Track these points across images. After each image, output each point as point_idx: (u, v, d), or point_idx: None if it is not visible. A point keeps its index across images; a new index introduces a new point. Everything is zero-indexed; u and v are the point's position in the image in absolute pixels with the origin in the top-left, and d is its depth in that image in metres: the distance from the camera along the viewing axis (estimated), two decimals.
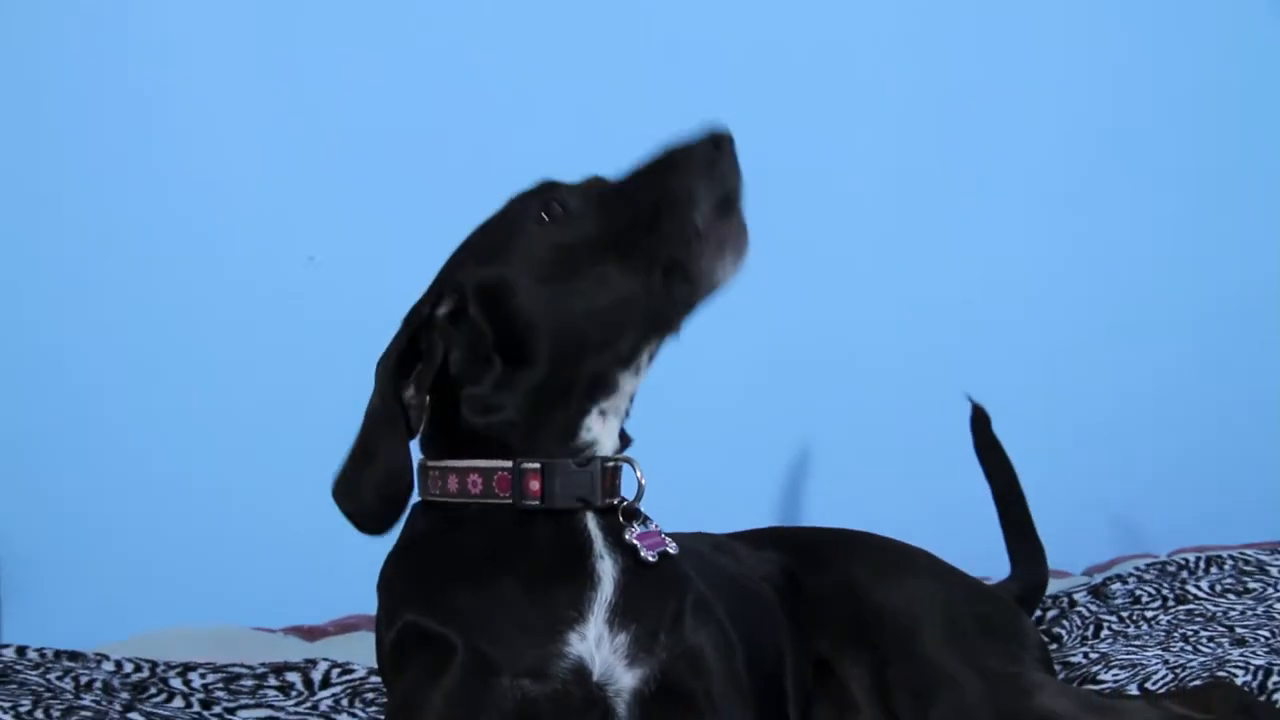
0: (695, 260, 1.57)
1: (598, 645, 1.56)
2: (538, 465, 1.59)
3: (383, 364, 1.63)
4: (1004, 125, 3.40)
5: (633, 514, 1.63)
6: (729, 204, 1.58)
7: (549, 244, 1.63)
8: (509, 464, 1.60)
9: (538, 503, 1.59)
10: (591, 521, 1.61)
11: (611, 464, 1.63)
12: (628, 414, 1.68)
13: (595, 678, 1.56)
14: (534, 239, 1.63)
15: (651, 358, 1.64)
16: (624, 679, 1.57)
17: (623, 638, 1.57)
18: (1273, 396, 3.53)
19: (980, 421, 2.40)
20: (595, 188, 1.66)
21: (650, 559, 1.61)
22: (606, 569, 1.60)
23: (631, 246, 1.59)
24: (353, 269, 2.87)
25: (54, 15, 2.76)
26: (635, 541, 1.61)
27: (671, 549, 1.65)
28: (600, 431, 1.64)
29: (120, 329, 2.79)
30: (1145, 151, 3.49)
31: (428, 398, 1.63)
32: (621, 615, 1.58)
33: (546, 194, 1.65)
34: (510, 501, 1.60)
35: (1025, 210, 3.41)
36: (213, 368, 2.84)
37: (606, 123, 3.01)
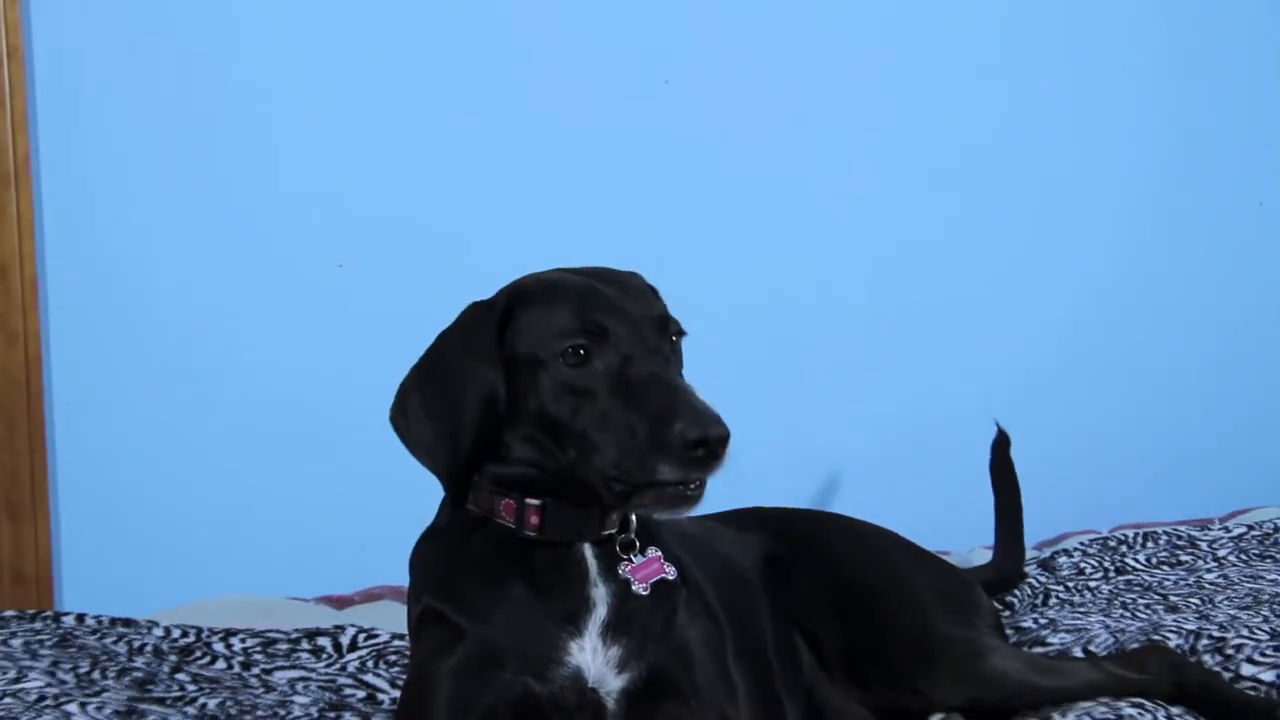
0: (651, 505, 1.52)
1: (593, 656, 1.60)
2: (539, 503, 1.61)
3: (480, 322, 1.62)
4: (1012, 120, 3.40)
5: (629, 546, 1.65)
6: (687, 484, 1.50)
7: (593, 391, 1.55)
8: (513, 499, 1.62)
9: (535, 534, 1.61)
10: (588, 552, 1.63)
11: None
12: None
13: (590, 683, 1.60)
14: (558, 370, 1.57)
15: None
16: (614, 682, 1.60)
17: (615, 650, 1.61)
18: (1201, 391, 3.54)
19: (1001, 444, 2.44)
20: (613, 355, 1.57)
21: (642, 592, 1.63)
22: (601, 595, 1.62)
23: (629, 435, 1.52)
24: (379, 268, 2.88)
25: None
26: (628, 575, 1.63)
27: (670, 575, 1.66)
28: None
29: (167, 326, 2.80)
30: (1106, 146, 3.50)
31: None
32: (614, 630, 1.61)
33: (574, 339, 1.57)
34: (512, 527, 1.62)
35: (1002, 192, 3.39)
36: (253, 367, 2.84)
37: (624, 132, 3.03)
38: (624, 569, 1.63)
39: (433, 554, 1.69)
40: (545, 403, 1.56)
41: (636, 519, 1.65)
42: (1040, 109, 3.42)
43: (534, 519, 1.61)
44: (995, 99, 3.38)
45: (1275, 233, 3.61)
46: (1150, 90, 3.51)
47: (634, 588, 1.62)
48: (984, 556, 2.59)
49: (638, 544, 1.65)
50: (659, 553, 1.66)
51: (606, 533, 1.63)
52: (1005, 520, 2.43)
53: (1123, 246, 3.49)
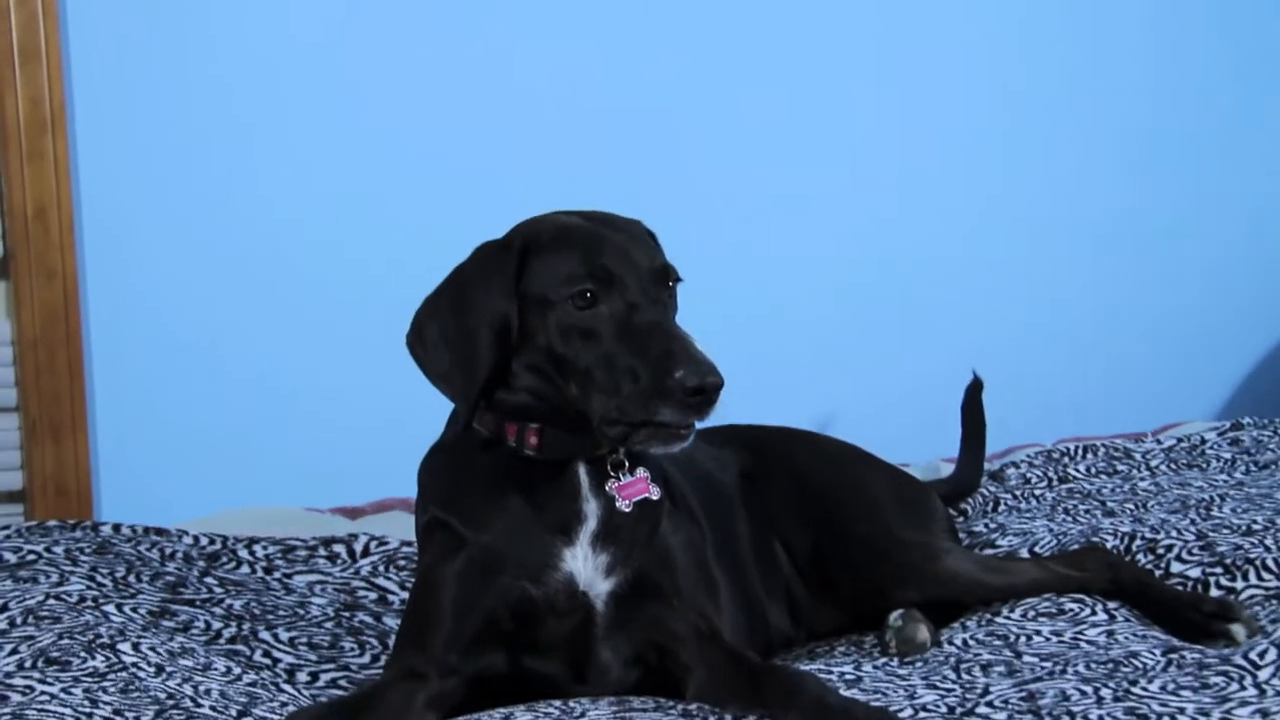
0: (646, 441, 1.51)
1: (584, 564, 1.60)
2: (538, 426, 1.60)
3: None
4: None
5: (619, 465, 1.63)
6: (683, 429, 1.51)
7: (599, 331, 1.53)
8: (516, 424, 1.61)
9: (534, 454, 1.60)
10: (581, 470, 1.62)
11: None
12: None
13: (580, 587, 1.60)
14: (567, 312, 1.55)
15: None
16: (602, 586, 1.61)
17: (604, 557, 1.61)
18: (1138, 317, 3.53)
19: (975, 389, 2.45)
20: (618, 301, 1.55)
21: (625, 509, 1.62)
22: (591, 509, 1.62)
23: (632, 379, 1.51)
24: (406, 197, 2.86)
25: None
26: (614, 492, 1.62)
27: (653, 495, 1.65)
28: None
29: (192, 266, 2.79)
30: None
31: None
32: (603, 540, 1.61)
33: (582, 283, 1.55)
34: (514, 446, 1.61)
35: (945, 116, 3.34)
36: (275, 294, 2.84)
37: (601, 96, 3.00)
38: (611, 486, 1.62)
39: (440, 468, 1.68)
40: (553, 341, 1.54)
41: None
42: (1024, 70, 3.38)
43: (533, 440, 1.60)
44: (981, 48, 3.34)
45: (1212, 160, 3.58)
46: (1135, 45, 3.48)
47: (618, 504, 1.61)
48: (946, 468, 2.59)
49: (626, 464, 1.63)
50: (646, 474, 1.65)
51: (599, 453, 1.62)
52: (969, 449, 2.45)
53: (1067, 177, 3.46)
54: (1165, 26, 3.51)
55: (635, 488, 1.63)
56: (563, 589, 1.59)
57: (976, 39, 3.33)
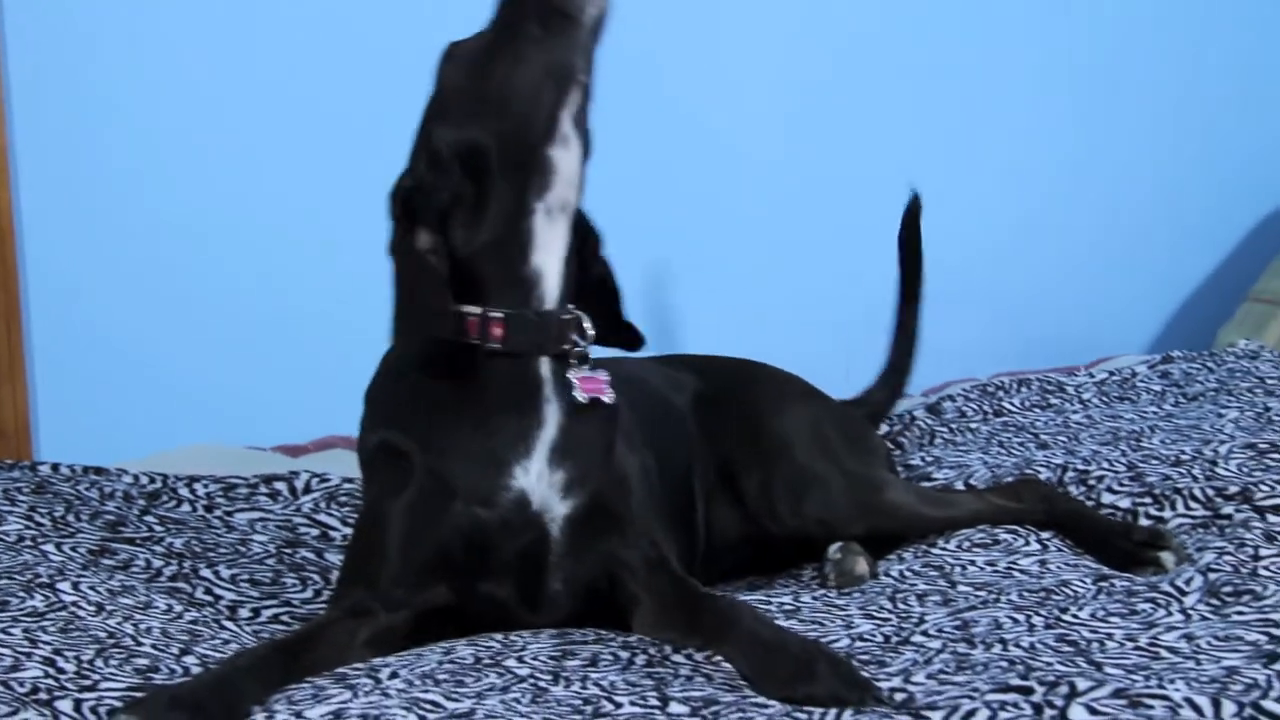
0: None
1: (538, 480, 1.57)
2: (501, 314, 1.56)
3: (394, 234, 1.57)
4: None
5: (583, 358, 1.61)
6: None
7: (461, 65, 1.57)
8: (479, 310, 1.56)
9: (499, 346, 1.56)
10: (545, 366, 1.59)
11: (566, 316, 1.59)
12: (574, 212, 1.59)
13: (534, 507, 1.58)
14: (450, 76, 1.59)
15: (575, 126, 1.54)
16: (558, 508, 1.58)
17: (560, 474, 1.58)
18: (1072, 255, 3.55)
19: (912, 211, 2.35)
20: None
21: (581, 399, 1.58)
22: (552, 411, 1.58)
23: (513, 23, 1.53)
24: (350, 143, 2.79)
25: None
26: (573, 379, 1.59)
27: (608, 398, 1.62)
28: (546, 242, 1.56)
29: (129, 200, 2.74)
30: None
31: (439, 253, 1.56)
32: (560, 454, 1.58)
33: (447, 48, 1.60)
34: (477, 342, 1.57)
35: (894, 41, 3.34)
36: (213, 225, 2.79)
37: None
38: (572, 373, 1.59)
39: (390, 385, 1.65)
40: (470, 112, 1.56)
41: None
42: None
43: (497, 330, 1.56)
44: None
45: (1145, 95, 3.59)
46: None
47: (575, 393, 1.58)
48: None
49: (590, 360, 1.61)
50: (608, 377, 1.62)
51: (564, 347, 1.59)
52: (904, 323, 2.39)
53: (1004, 112, 3.47)
54: None
55: (594, 384, 1.60)
56: (515, 509, 1.57)
57: None
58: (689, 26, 3.11)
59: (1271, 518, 1.83)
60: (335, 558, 1.97)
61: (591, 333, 1.61)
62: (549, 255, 1.58)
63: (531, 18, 1.52)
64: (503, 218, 1.55)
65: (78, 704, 1.39)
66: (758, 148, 3.23)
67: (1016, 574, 1.77)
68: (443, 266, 1.55)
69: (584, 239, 1.65)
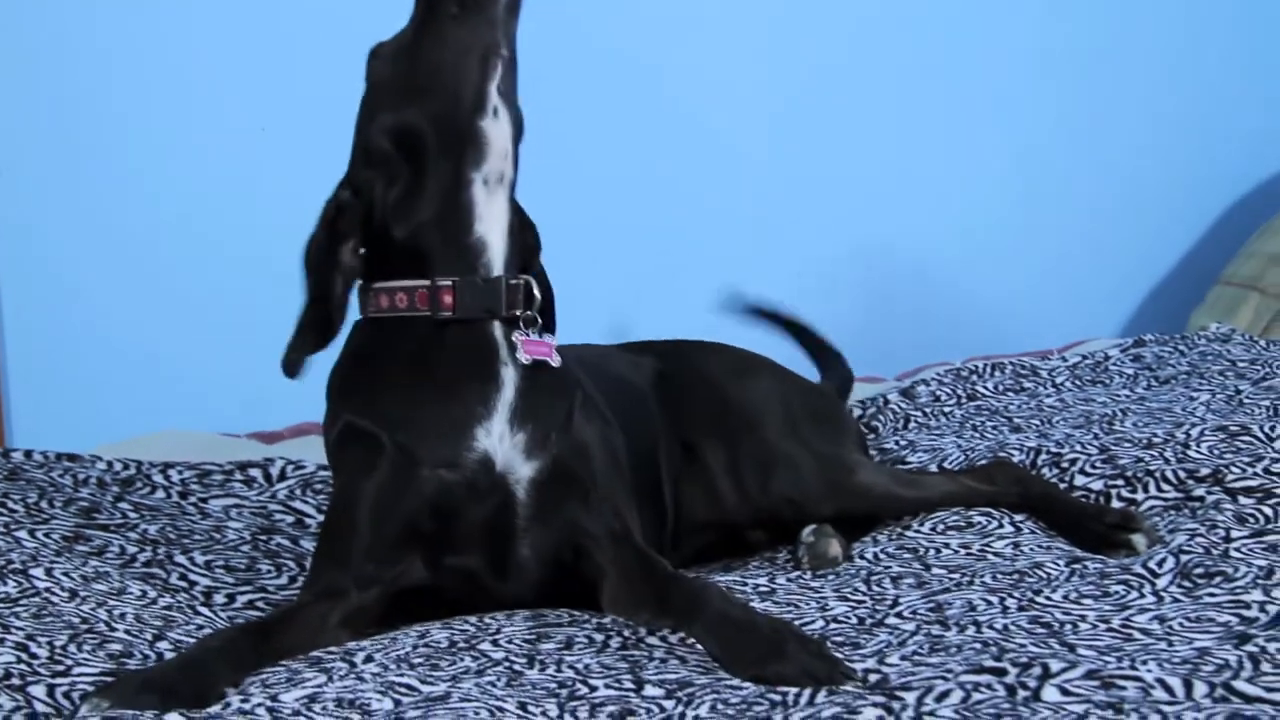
0: None
1: (500, 441, 1.58)
2: (450, 282, 1.59)
3: (307, 251, 1.64)
4: None
5: (530, 322, 1.63)
6: None
7: (388, 60, 1.63)
8: (427, 282, 1.59)
9: (451, 314, 1.59)
10: (497, 330, 1.61)
11: (514, 281, 1.62)
12: (509, 187, 1.63)
13: (498, 468, 1.58)
14: (380, 71, 1.64)
15: (503, 98, 1.59)
16: (522, 469, 1.59)
17: (521, 436, 1.59)
18: (1043, 238, 3.56)
19: (741, 307, 2.40)
20: None
21: (524, 360, 1.60)
22: (509, 374, 1.60)
23: (433, 6, 1.59)
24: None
25: None
26: (516, 340, 1.60)
27: (554, 361, 1.64)
28: (487, 212, 1.60)
29: (101, 191, 2.74)
30: None
31: (362, 249, 1.63)
32: (520, 416, 1.59)
33: (372, 50, 1.66)
34: (429, 313, 1.59)
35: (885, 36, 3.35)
36: (188, 218, 2.80)
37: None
38: (517, 336, 1.61)
39: (348, 375, 1.67)
40: (400, 101, 1.62)
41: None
42: None
43: (448, 298, 1.58)
44: None
45: (1113, 81, 3.59)
46: None
47: (518, 354, 1.60)
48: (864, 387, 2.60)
49: (539, 323, 1.63)
50: (554, 341, 1.66)
51: (514, 312, 1.61)
52: (804, 340, 2.41)
53: (974, 102, 3.47)
54: None
55: (539, 348, 1.62)
56: (480, 470, 1.57)
57: None
58: (680, 27, 3.12)
59: (1243, 500, 1.83)
60: (310, 544, 1.96)
61: (539, 298, 1.64)
62: (491, 225, 1.61)
63: (454, 5, 1.57)
64: (441, 192, 1.60)
65: (50, 689, 1.39)
66: (745, 145, 3.22)
67: (990, 556, 1.77)
68: (357, 268, 1.63)
69: (525, 242, 1.69)
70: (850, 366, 2.43)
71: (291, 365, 1.64)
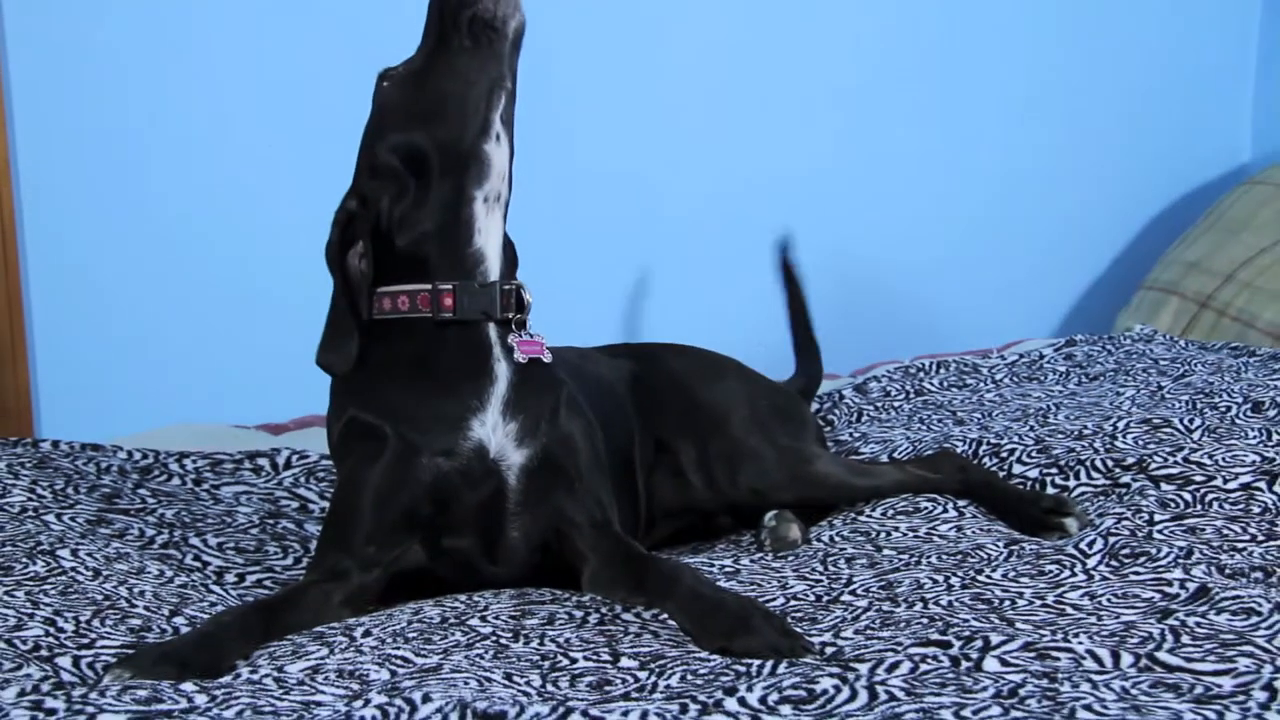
0: (485, 8, 1.57)
1: (493, 430, 1.59)
2: (450, 286, 1.60)
3: (328, 254, 1.63)
4: None
5: (522, 325, 1.64)
6: None
7: (397, 84, 1.63)
8: (428, 286, 1.60)
9: (450, 315, 1.60)
10: (492, 331, 1.62)
11: (507, 287, 1.63)
12: (505, 206, 1.65)
13: (491, 455, 1.59)
14: (389, 94, 1.64)
15: (504, 125, 1.61)
16: (513, 456, 1.60)
17: (513, 425, 1.60)
18: (983, 243, 3.56)
19: (784, 249, 2.42)
20: None
21: (520, 359, 1.62)
22: (502, 370, 1.61)
23: (446, 39, 1.60)
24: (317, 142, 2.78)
25: None
26: (513, 343, 1.62)
27: (546, 358, 1.66)
28: (486, 226, 1.62)
29: (127, 208, 2.72)
30: None
31: (369, 254, 1.62)
32: (512, 408, 1.61)
33: (381, 74, 1.67)
34: (430, 315, 1.60)
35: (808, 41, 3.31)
36: (206, 220, 2.78)
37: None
38: (511, 338, 1.62)
39: (353, 372, 1.65)
40: (411, 121, 1.62)
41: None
42: None
43: (448, 300, 1.60)
44: None
45: (1043, 107, 3.60)
46: None
47: (515, 354, 1.62)
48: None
49: (529, 324, 1.65)
50: (544, 340, 1.66)
51: (507, 315, 1.62)
52: (798, 326, 2.42)
53: (934, 92, 3.45)
54: None
55: (532, 346, 1.64)
56: (475, 456, 1.58)
57: None
58: (655, 28, 3.11)
59: (1165, 486, 1.84)
60: (314, 528, 1.96)
61: (530, 300, 1.65)
62: (489, 238, 1.63)
63: (462, 32, 1.58)
64: (445, 207, 1.60)
65: (76, 660, 1.38)
66: (710, 148, 3.22)
67: (936, 539, 1.77)
68: (370, 274, 1.62)
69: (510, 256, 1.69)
70: (822, 368, 2.44)
71: (329, 366, 1.64)
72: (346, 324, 1.62)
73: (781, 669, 1.29)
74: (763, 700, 1.20)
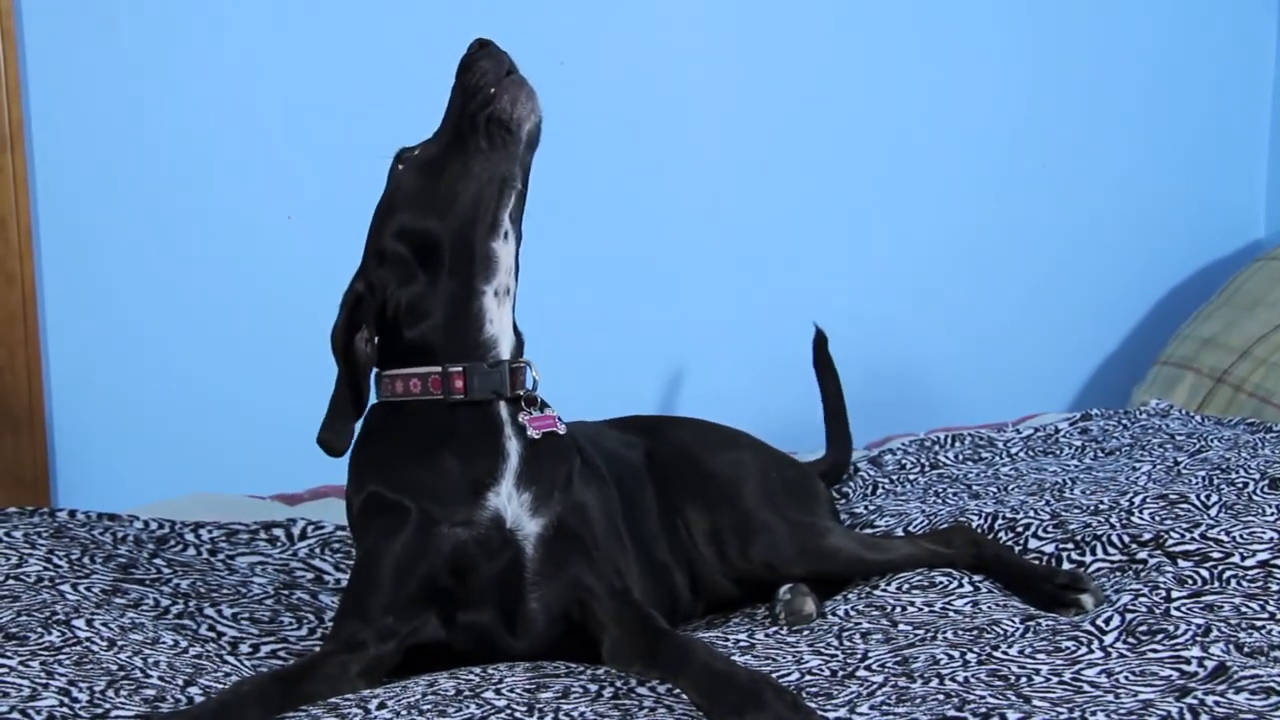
0: (503, 110, 1.60)
1: (509, 500, 1.61)
2: (460, 368, 1.62)
3: (333, 338, 1.67)
4: None
5: (532, 401, 1.67)
6: (509, 70, 1.63)
7: (412, 169, 1.66)
8: (438, 369, 1.63)
9: (461, 396, 1.62)
10: (502, 409, 1.64)
11: (515, 366, 1.66)
12: (514, 298, 1.68)
13: (508, 524, 1.60)
14: (403, 179, 1.67)
15: (513, 223, 1.64)
16: (529, 526, 1.61)
17: (527, 495, 1.62)
18: (1001, 322, 3.57)
19: (820, 342, 2.45)
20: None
21: (534, 435, 1.64)
22: (513, 446, 1.63)
23: (462, 135, 1.63)
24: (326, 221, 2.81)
25: None
26: (524, 421, 1.64)
27: (560, 430, 1.68)
28: (497, 317, 1.65)
29: (138, 287, 2.76)
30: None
31: (375, 338, 1.65)
32: (525, 479, 1.62)
33: (398, 154, 1.70)
34: (441, 396, 1.63)
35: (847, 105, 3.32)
36: (221, 302, 2.82)
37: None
38: (523, 416, 1.65)
39: (370, 451, 1.69)
40: (423, 212, 1.64)
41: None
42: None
43: (459, 382, 1.62)
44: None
45: (1062, 170, 3.61)
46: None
47: (528, 431, 1.64)
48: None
49: (539, 401, 1.67)
50: (555, 413, 1.69)
51: (517, 392, 1.65)
52: (832, 413, 2.45)
53: (952, 168, 3.47)
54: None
55: (545, 421, 1.66)
56: (492, 526, 1.59)
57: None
58: (642, 96, 3.12)
59: (1182, 562, 1.84)
60: (328, 599, 1.96)
61: (538, 377, 1.68)
62: (500, 327, 1.66)
63: (479, 133, 1.61)
64: (453, 299, 1.63)
65: None
66: (706, 225, 3.23)
67: (951, 614, 1.77)
68: (375, 357, 1.65)
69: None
70: (851, 454, 2.47)
71: (327, 444, 1.66)
72: (346, 406, 1.66)
73: None
74: None
